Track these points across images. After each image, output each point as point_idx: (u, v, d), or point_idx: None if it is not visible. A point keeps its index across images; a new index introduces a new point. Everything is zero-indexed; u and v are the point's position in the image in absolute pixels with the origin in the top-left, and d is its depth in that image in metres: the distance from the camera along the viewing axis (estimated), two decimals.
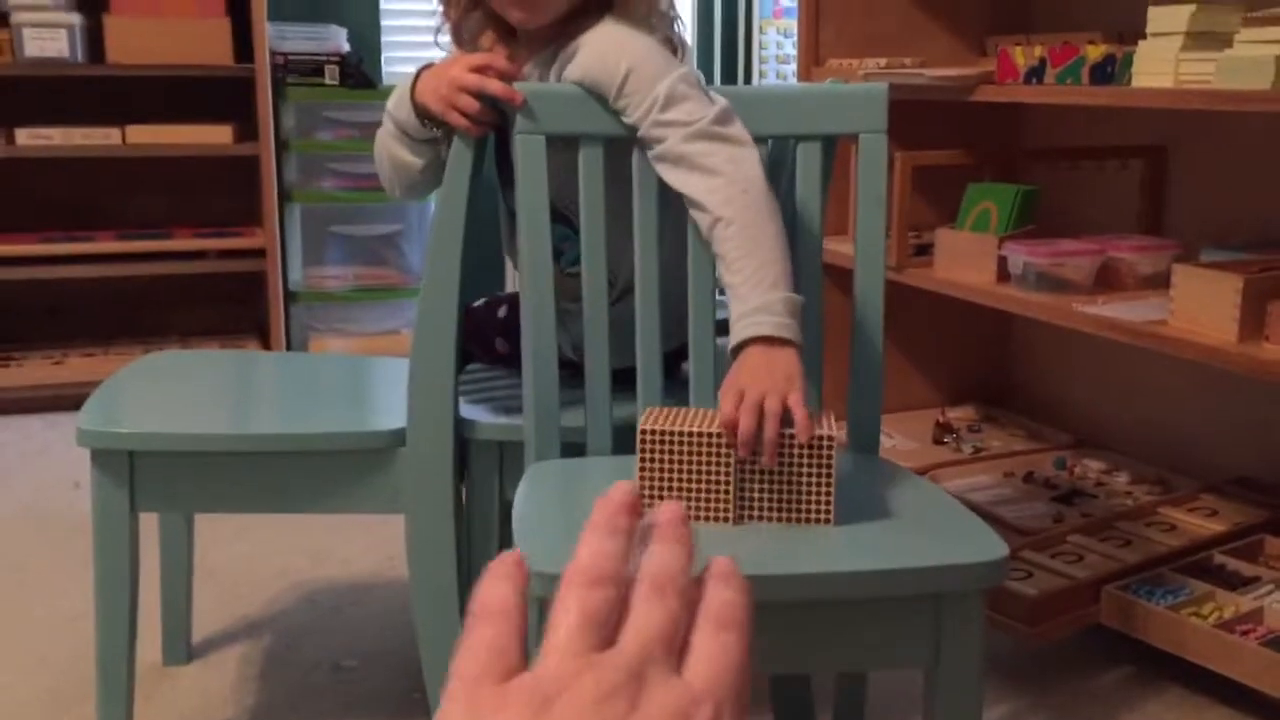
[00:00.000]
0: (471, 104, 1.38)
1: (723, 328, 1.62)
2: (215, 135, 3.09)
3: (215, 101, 3.16)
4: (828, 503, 1.13)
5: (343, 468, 1.49)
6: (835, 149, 1.42)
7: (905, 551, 1.10)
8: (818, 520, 1.13)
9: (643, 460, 1.14)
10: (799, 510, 1.14)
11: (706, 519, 1.14)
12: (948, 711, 1.11)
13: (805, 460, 1.13)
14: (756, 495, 1.14)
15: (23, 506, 2.43)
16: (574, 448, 1.37)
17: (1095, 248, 1.95)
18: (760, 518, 1.14)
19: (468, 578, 1.53)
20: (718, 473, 1.14)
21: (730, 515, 1.14)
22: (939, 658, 1.09)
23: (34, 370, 3.03)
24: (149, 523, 1.60)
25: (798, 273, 1.29)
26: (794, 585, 1.05)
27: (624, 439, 1.37)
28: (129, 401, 1.58)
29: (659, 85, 1.31)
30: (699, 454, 1.14)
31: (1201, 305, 1.66)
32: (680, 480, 1.14)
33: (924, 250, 2.19)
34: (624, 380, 1.37)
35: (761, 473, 1.14)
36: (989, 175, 2.22)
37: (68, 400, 2.92)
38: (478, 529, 1.52)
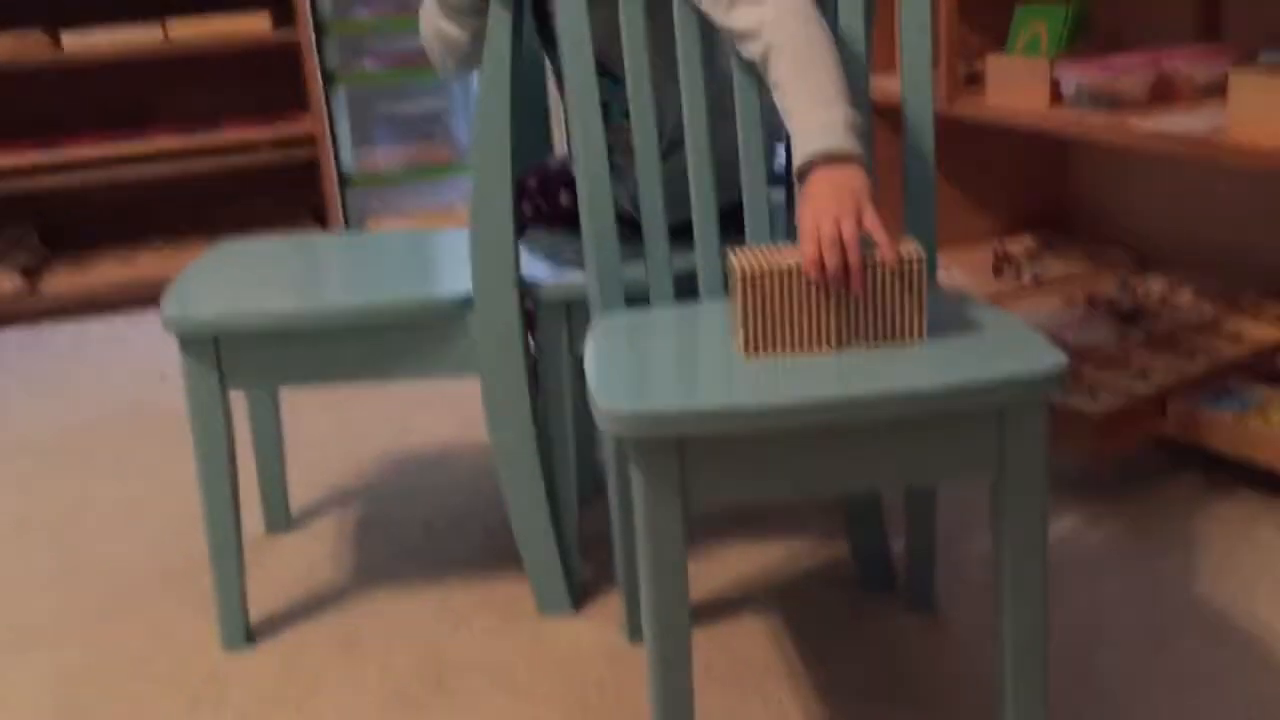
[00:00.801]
0: None
1: (777, 179, 1.64)
2: (253, 23, 3.10)
3: None
4: (920, 320, 1.17)
5: (416, 334, 1.54)
6: None
7: (965, 367, 1.13)
8: (912, 337, 1.18)
9: (743, 301, 1.18)
10: (895, 329, 1.18)
11: (809, 347, 1.18)
12: (1014, 522, 1.15)
13: (896, 282, 1.17)
14: (854, 320, 1.18)
15: (115, 401, 2.53)
16: (637, 300, 1.41)
17: (1149, 60, 1.92)
18: (860, 341, 1.19)
19: (544, 432, 1.59)
20: (814, 304, 1.18)
21: (831, 342, 1.19)
22: (1004, 470, 1.13)
23: (107, 271, 3.12)
24: (238, 404, 1.67)
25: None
26: (850, 408, 1.09)
27: (685, 288, 1.41)
28: (207, 289, 1.63)
29: None
30: (794, 288, 1.17)
31: (1262, 110, 1.63)
32: (780, 315, 1.18)
33: (974, 80, 2.16)
34: (683, 234, 1.40)
35: (856, 299, 1.17)
36: None
37: (142, 297, 3.03)
38: (550, 385, 1.58)
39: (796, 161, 1.24)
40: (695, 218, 1.38)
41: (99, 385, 2.63)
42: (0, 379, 2.73)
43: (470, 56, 1.54)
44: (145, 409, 2.46)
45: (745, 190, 1.38)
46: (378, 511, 1.98)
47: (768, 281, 1.17)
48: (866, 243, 1.17)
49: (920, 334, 1.18)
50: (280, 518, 1.91)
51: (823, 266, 1.15)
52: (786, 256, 1.19)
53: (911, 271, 1.17)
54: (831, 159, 1.21)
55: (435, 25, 1.54)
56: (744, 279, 1.17)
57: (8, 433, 2.42)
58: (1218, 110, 1.73)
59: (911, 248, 1.18)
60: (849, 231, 1.15)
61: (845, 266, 1.15)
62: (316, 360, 1.55)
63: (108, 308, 3.08)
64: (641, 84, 1.36)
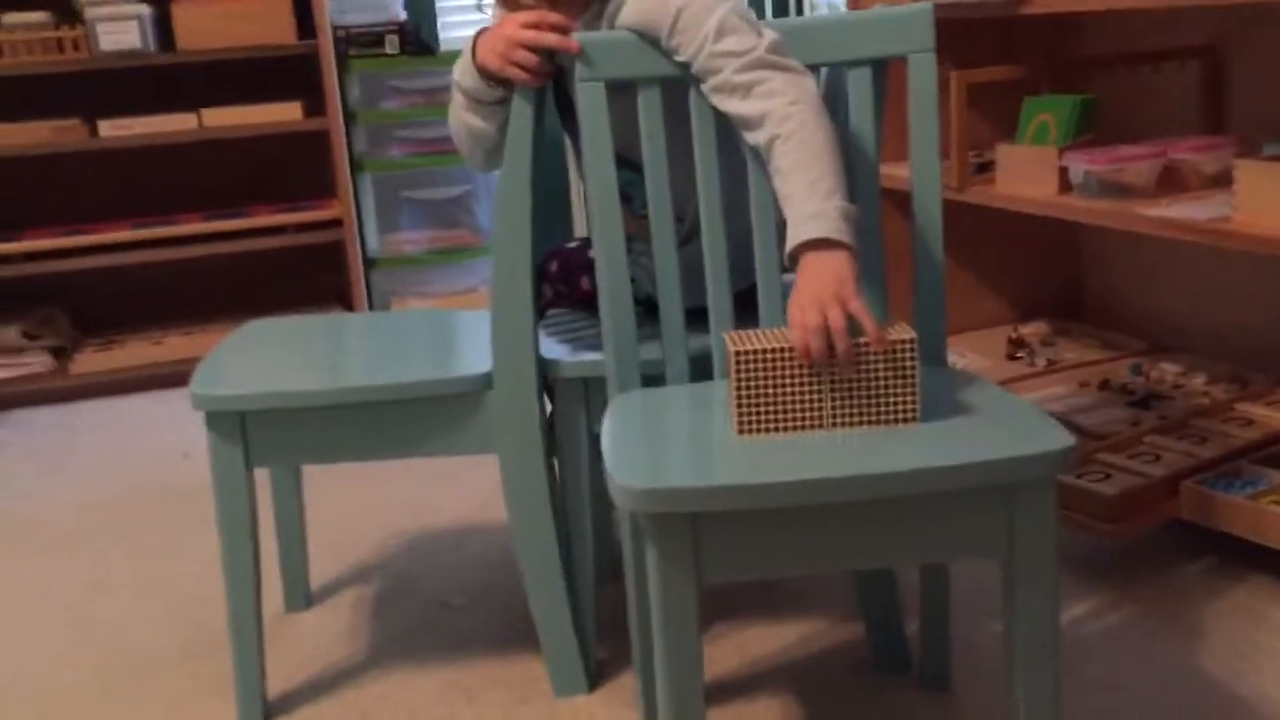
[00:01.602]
0: (529, 58, 1.44)
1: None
2: (286, 113, 3.19)
3: (282, 79, 3.25)
4: (913, 403, 1.20)
5: (437, 412, 1.58)
6: (887, 73, 1.46)
7: (973, 446, 1.15)
8: (905, 419, 1.20)
9: (736, 380, 1.21)
10: (887, 411, 1.21)
11: (802, 428, 1.21)
12: (1026, 599, 1.16)
13: (887, 364, 1.19)
14: (846, 401, 1.21)
15: (138, 479, 2.57)
16: (653, 380, 1.44)
17: (1156, 151, 1.96)
18: (853, 422, 1.21)
19: (562, 510, 1.61)
20: (806, 385, 1.21)
21: (824, 423, 1.21)
22: (1013, 547, 1.15)
23: (135, 351, 3.18)
24: (260, 482, 1.70)
25: (855, 200, 1.33)
26: (871, 484, 1.11)
27: (700, 369, 1.44)
28: (235, 367, 1.68)
29: (710, 19, 1.36)
30: (786, 369, 1.21)
31: (1266, 199, 1.67)
32: (774, 394, 1.21)
33: (985, 168, 2.21)
34: (700, 319, 1.44)
35: (848, 380, 1.20)
36: (1045, 87, 2.23)
37: (169, 378, 3.08)
38: (568, 462, 1.60)
39: (789, 247, 1.29)
40: (710, 300, 1.42)
41: (122, 463, 2.67)
42: (26, 458, 2.77)
43: (498, 149, 1.58)
44: (167, 487, 2.49)
45: (759, 275, 1.42)
46: (395, 589, 1.99)
47: (760, 361, 1.21)
48: (855, 329, 1.20)
49: (913, 416, 1.21)
50: (300, 595, 1.93)
51: (808, 354, 1.19)
52: (780, 338, 1.23)
53: (902, 354, 1.20)
54: (820, 245, 1.26)
55: (464, 120, 1.60)
56: (737, 359, 1.21)
57: (31, 510, 2.45)
58: (1224, 199, 1.77)
59: (902, 331, 1.22)
60: (835, 318, 1.19)
61: (832, 351, 1.19)
62: (340, 437, 1.58)
63: (135, 388, 3.13)
64: (659, 172, 1.41)
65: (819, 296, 1.21)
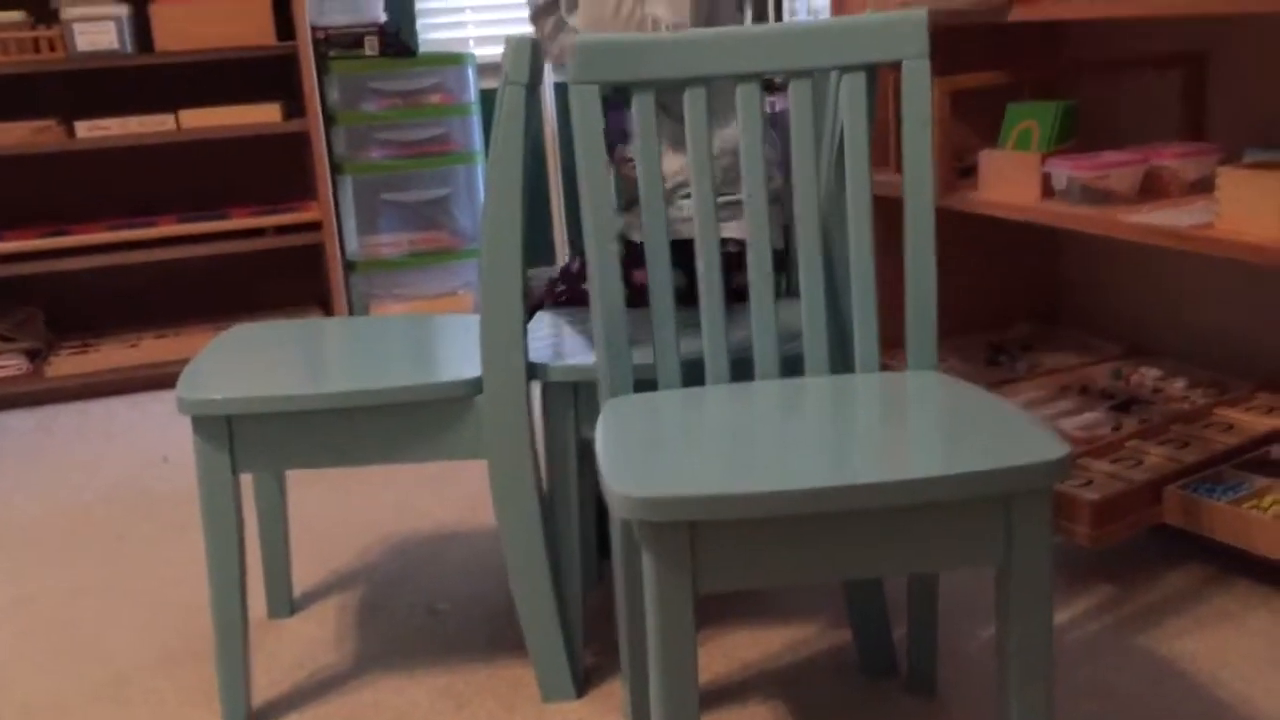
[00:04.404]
0: None
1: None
2: (265, 114, 3.17)
3: (261, 80, 3.23)
4: None
5: (425, 418, 1.57)
6: (877, 78, 1.46)
7: (973, 456, 1.16)
8: None
9: None
10: None
11: None
12: (1021, 609, 1.17)
13: None
14: None
15: (117, 483, 2.54)
16: (644, 384, 1.44)
17: (1138, 157, 1.97)
18: None
19: (550, 514, 1.61)
20: None
21: None
22: (1010, 557, 1.15)
23: (111, 354, 3.15)
24: (244, 488, 1.69)
25: (850, 204, 1.34)
26: (873, 493, 1.11)
27: (691, 373, 1.44)
28: (220, 372, 1.66)
29: None
30: None
31: (1247, 206, 1.68)
32: None
33: (968, 174, 2.22)
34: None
35: None
36: (1028, 94, 2.24)
37: (146, 380, 3.06)
38: (556, 468, 1.60)
39: None
40: (702, 301, 1.42)
41: (101, 468, 2.65)
42: (3, 462, 2.74)
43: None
44: (147, 492, 2.47)
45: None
46: (381, 594, 1.98)
47: None
48: None
49: None
50: (283, 601, 1.92)
51: None
52: None
53: None
54: None
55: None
56: None
57: (10, 515, 2.42)
58: (1206, 205, 1.79)
59: None
60: None
61: None
62: (327, 442, 1.57)
63: (112, 391, 3.10)
64: (653, 177, 1.40)
65: None
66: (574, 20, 1.61)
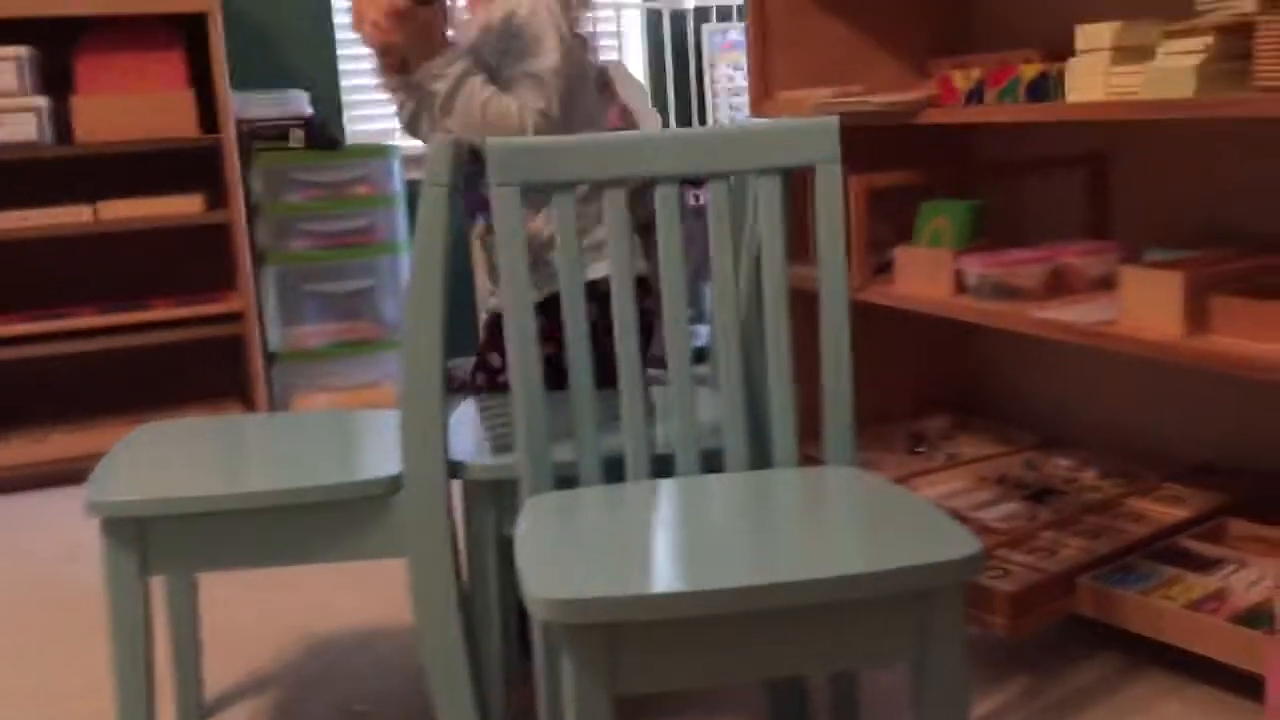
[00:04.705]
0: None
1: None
2: (186, 205, 3.16)
3: (184, 171, 3.22)
4: None
5: (344, 516, 1.55)
6: (791, 180, 1.51)
7: (887, 553, 1.17)
8: None
9: None
10: None
11: None
12: (936, 704, 1.18)
13: None
14: None
15: (21, 582, 2.46)
16: (565, 480, 1.44)
17: (1045, 255, 2.04)
18: None
19: (471, 614, 1.59)
20: None
21: None
22: (924, 653, 1.16)
23: (19, 449, 3.07)
24: (154, 588, 1.65)
25: (766, 302, 1.36)
26: (778, 593, 1.12)
27: (612, 469, 1.44)
28: (131, 471, 1.63)
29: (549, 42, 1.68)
30: None
31: (1149, 303, 1.74)
32: None
33: (885, 268, 2.28)
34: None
35: None
36: (940, 192, 2.32)
37: (53, 476, 2.98)
38: (477, 566, 1.58)
39: None
40: (623, 400, 1.43)
41: (5, 566, 2.56)
42: None
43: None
44: (52, 592, 2.39)
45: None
46: (296, 696, 1.93)
47: None
48: None
49: None
50: (193, 707, 1.86)
51: None
52: None
53: None
54: None
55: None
56: None
57: None
58: (1109, 302, 1.85)
59: None
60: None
61: None
62: (242, 544, 1.54)
63: (19, 486, 3.02)
64: (573, 277, 1.42)
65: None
66: (450, 122, 1.66)
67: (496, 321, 1.76)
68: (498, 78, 1.69)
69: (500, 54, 1.71)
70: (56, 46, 3.06)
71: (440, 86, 1.66)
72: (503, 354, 1.73)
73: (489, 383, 1.83)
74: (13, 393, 3.26)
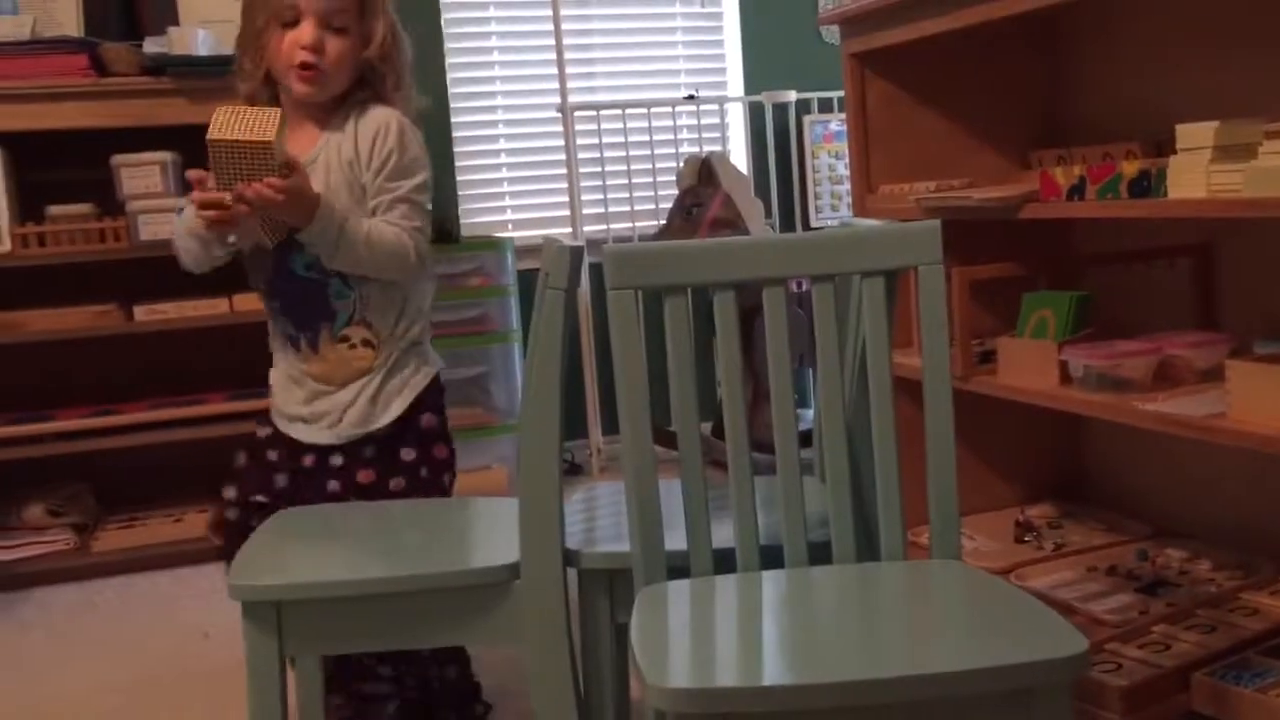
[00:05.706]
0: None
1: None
2: None
3: None
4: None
5: (464, 602, 1.62)
6: (897, 277, 1.56)
7: (995, 650, 1.20)
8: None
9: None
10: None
11: None
12: None
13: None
14: None
15: (157, 660, 2.58)
16: (677, 571, 1.50)
17: (1152, 346, 2.05)
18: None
19: (586, 701, 1.64)
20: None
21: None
22: None
23: (156, 529, 3.23)
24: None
25: (872, 397, 1.41)
26: (885, 689, 1.16)
27: (724, 559, 1.50)
28: (268, 557, 1.73)
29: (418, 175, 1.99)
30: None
31: (1258, 396, 1.75)
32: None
33: (988, 357, 2.30)
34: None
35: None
36: (1043, 284, 2.34)
37: (189, 555, 3.12)
38: (590, 654, 1.64)
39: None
40: (733, 495, 1.49)
41: (141, 644, 2.69)
42: (48, 637, 2.79)
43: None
44: (187, 670, 2.51)
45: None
46: None
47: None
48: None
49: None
50: None
51: None
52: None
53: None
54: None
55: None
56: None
57: (55, 691, 2.46)
58: (1218, 394, 1.85)
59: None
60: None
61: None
62: (369, 626, 1.63)
63: (155, 565, 3.17)
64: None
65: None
66: (336, 263, 1.94)
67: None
68: (367, 196, 1.96)
69: (375, 173, 1.95)
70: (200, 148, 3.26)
71: (330, 238, 1.88)
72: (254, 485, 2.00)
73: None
74: (151, 475, 3.41)
